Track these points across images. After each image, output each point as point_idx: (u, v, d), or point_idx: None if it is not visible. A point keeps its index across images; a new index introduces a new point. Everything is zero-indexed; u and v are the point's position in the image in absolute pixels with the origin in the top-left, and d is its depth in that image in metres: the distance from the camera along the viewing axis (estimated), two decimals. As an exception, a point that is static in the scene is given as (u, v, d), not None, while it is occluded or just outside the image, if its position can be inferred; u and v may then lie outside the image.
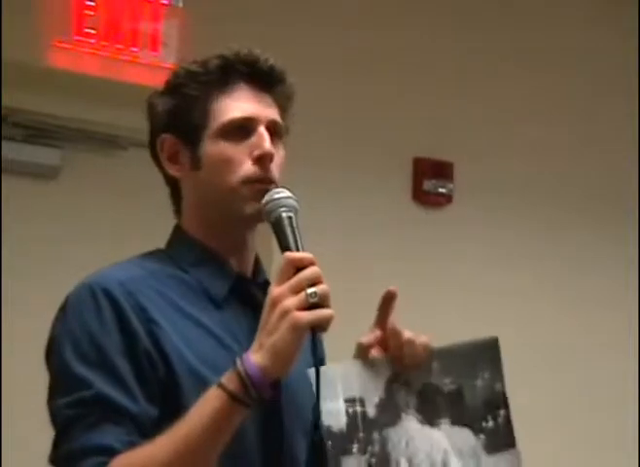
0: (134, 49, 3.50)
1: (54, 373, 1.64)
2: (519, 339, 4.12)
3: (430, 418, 1.62)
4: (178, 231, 1.79)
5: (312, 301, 1.52)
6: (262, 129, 1.70)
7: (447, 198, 4.12)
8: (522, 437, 1.65)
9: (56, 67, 3.42)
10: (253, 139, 1.70)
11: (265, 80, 1.73)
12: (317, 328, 1.53)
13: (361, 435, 1.57)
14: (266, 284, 1.75)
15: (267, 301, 1.54)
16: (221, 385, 1.52)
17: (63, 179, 3.55)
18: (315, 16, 3.86)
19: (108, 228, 3.54)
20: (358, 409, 1.58)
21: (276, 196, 1.64)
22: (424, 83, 4.08)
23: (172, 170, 1.76)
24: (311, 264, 1.55)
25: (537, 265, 4.28)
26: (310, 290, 1.52)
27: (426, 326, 4.43)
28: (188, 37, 3.55)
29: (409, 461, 1.59)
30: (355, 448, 1.56)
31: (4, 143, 3.40)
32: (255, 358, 1.52)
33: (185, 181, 1.77)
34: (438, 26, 4.14)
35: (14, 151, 3.43)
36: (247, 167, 1.69)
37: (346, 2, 3.94)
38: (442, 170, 4.11)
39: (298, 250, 1.59)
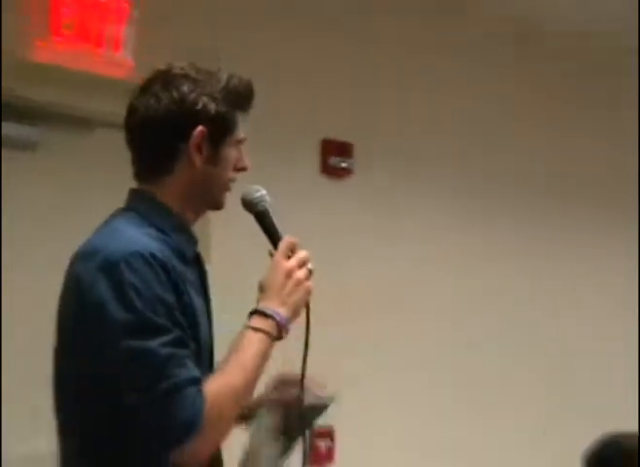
0: (101, 48, 3.72)
1: (125, 320, 1.75)
2: (413, 303, 4.59)
3: None
4: (150, 198, 1.95)
5: (309, 275, 1.96)
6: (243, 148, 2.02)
7: (348, 171, 4.43)
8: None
9: (39, 61, 3.56)
10: (239, 154, 2.02)
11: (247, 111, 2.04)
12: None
13: None
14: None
15: (280, 269, 1.92)
16: (262, 331, 1.86)
17: (41, 154, 3.60)
18: (237, 10, 4.02)
19: (78, 200, 3.61)
20: None
21: (259, 193, 2.03)
22: (331, 75, 4.31)
23: (196, 158, 1.92)
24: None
25: (425, 226, 4.65)
26: (310, 267, 1.96)
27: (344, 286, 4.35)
28: (143, 39, 3.71)
29: None
30: None
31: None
32: (284, 311, 1.89)
33: (190, 169, 1.93)
34: (345, 14, 4.35)
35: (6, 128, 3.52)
36: (233, 172, 2.01)
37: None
38: (344, 149, 4.41)
39: (281, 235, 1.99)
